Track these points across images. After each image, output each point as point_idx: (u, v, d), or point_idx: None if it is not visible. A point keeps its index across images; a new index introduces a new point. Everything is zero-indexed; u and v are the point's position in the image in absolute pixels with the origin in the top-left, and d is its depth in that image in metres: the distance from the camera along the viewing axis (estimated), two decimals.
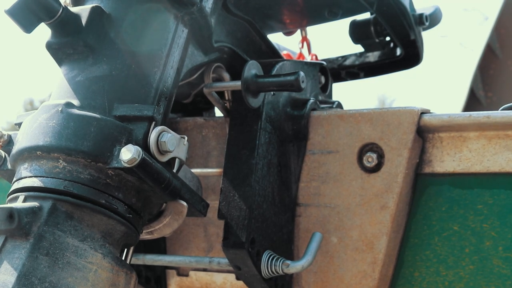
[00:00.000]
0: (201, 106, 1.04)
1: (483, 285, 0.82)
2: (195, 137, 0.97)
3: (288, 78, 0.79)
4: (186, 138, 0.71)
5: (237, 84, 0.81)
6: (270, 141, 0.85)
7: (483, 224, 0.82)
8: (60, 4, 0.70)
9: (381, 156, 0.84)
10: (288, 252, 0.88)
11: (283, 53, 1.16)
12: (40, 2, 0.68)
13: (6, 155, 0.73)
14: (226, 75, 0.88)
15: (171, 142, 0.68)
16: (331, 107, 0.98)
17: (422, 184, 0.85)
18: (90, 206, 0.64)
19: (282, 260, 0.80)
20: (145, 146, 0.67)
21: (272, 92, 0.86)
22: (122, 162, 0.64)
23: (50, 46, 0.73)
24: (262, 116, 0.84)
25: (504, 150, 0.80)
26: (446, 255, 0.84)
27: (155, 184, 0.66)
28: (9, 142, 0.74)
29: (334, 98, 1.06)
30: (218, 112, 1.10)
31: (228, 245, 0.79)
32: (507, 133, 0.79)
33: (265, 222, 0.82)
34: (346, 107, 1.02)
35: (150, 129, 0.67)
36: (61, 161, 0.65)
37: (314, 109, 0.92)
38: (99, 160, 0.64)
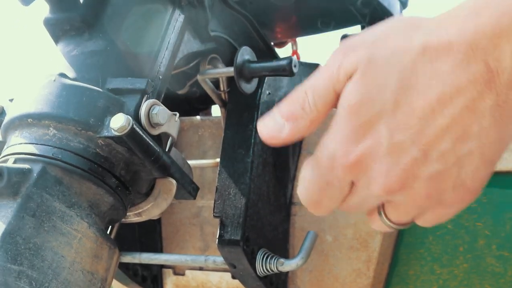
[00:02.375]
0: (198, 106, 1.04)
1: (477, 283, 0.82)
2: (191, 136, 0.98)
3: (281, 62, 0.80)
4: (177, 114, 0.70)
5: (231, 70, 0.82)
6: None
7: (477, 222, 0.82)
8: None
9: None
10: (284, 250, 0.89)
11: None
12: None
13: None
14: (222, 66, 0.88)
15: (162, 115, 0.67)
16: None
17: None
18: (80, 173, 0.63)
19: (276, 258, 0.80)
20: (136, 118, 0.66)
21: (267, 92, 0.87)
22: (112, 130, 0.63)
23: (47, 22, 0.73)
24: (258, 116, 0.85)
25: None
26: (440, 254, 0.85)
27: (145, 156, 0.65)
28: (2, 113, 0.73)
29: None
30: (214, 112, 1.10)
31: (223, 242, 0.79)
32: None
33: (260, 221, 0.83)
34: None
35: (142, 101, 0.67)
36: (51, 129, 0.64)
37: None
38: (89, 128, 0.64)
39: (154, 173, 0.68)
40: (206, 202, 0.94)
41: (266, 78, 0.86)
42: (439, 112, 0.53)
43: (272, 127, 0.61)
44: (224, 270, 0.95)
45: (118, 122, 0.63)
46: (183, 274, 0.99)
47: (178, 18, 0.76)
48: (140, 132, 0.64)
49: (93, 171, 0.64)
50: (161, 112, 0.67)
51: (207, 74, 0.85)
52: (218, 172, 0.84)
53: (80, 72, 0.69)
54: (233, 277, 0.94)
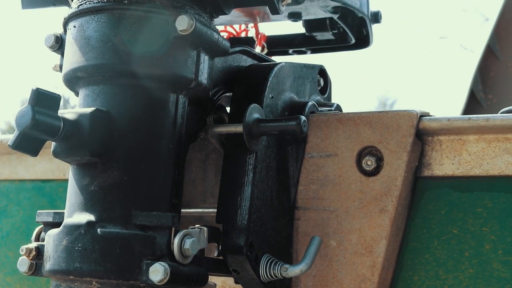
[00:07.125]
0: None
1: None
2: None
3: (290, 123, 0.80)
4: (206, 229, 0.76)
5: (239, 128, 0.80)
6: (269, 144, 0.85)
7: (483, 227, 0.82)
8: (60, 119, 0.71)
9: (380, 159, 0.84)
10: (287, 255, 0.88)
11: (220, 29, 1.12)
12: (40, 128, 0.70)
13: (37, 263, 0.78)
14: (226, 116, 0.88)
15: (193, 246, 0.72)
16: (330, 110, 0.98)
17: (421, 187, 0.85)
18: None
19: (280, 264, 0.80)
20: (169, 252, 0.71)
21: (270, 95, 0.86)
22: (151, 280, 0.69)
23: (57, 155, 0.76)
24: None
25: (504, 153, 0.79)
26: (445, 259, 0.84)
27: (187, 286, 0.73)
28: (38, 254, 0.78)
29: (333, 100, 1.06)
30: None
31: (227, 249, 0.78)
32: (506, 136, 0.79)
33: (263, 226, 0.82)
34: (346, 109, 1.02)
35: (172, 236, 0.72)
36: (94, 283, 0.71)
37: (312, 112, 0.91)
38: (129, 278, 0.70)
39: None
40: (208, 206, 0.94)
41: (269, 82, 0.85)
42: None
43: None
44: (227, 275, 0.94)
45: (157, 275, 0.69)
46: None
47: (184, 118, 0.78)
48: (177, 272, 0.70)
49: None
50: (193, 244, 0.72)
51: (216, 131, 0.85)
52: (220, 176, 0.83)
53: (104, 211, 0.72)
54: (236, 281, 0.94)
